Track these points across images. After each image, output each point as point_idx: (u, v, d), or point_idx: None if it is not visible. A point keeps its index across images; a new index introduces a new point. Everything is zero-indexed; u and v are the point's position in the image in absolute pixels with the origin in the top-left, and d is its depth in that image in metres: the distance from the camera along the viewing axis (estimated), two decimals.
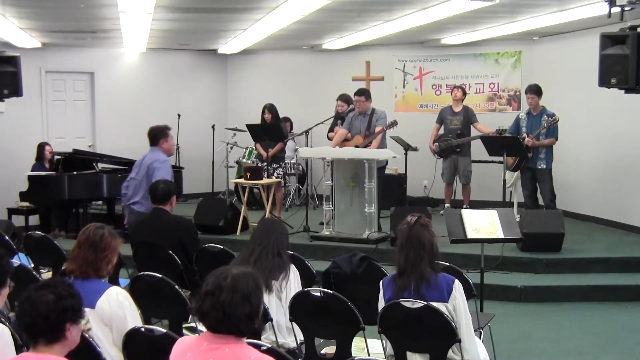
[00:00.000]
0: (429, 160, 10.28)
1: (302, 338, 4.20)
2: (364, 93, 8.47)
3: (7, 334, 3.06)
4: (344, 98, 9.35)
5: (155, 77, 12.09)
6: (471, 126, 9.73)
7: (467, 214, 5.50)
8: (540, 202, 8.89)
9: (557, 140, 8.68)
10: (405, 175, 9.92)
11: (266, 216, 8.50)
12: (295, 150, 10.71)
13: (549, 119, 8.58)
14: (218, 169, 11.56)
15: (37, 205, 9.61)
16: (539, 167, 8.70)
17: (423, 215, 3.93)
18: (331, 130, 9.49)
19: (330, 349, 4.22)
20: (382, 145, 8.33)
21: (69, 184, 9.11)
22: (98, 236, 3.72)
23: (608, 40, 5.95)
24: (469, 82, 11.06)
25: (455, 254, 6.96)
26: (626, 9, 5.71)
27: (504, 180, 8.31)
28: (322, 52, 11.73)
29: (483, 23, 8.89)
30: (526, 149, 8.57)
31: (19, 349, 3.22)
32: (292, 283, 4.30)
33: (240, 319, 2.59)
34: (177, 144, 11.71)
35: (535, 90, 8.77)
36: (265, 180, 8.75)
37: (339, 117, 9.28)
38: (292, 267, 4.39)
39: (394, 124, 8.35)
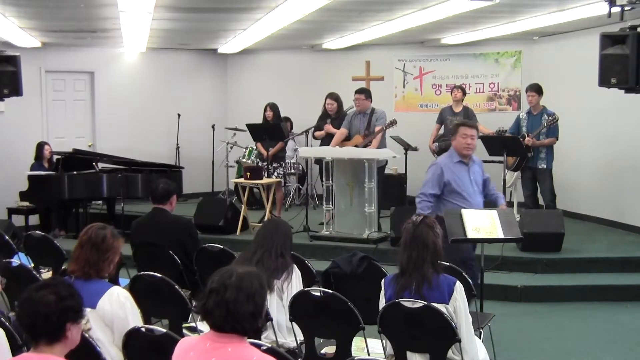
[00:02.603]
0: (429, 160, 10.21)
1: (302, 338, 4.20)
2: (364, 91, 8.49)
3: (1, 335, 3.05)
4: (333, 97, 9.21)
5: (155, 77, 12.08)
6: None
7: (467, 214, 5.48)
8: (541, 202, 8.89)
9: (557, 139, 8.67)
10: (405, 175, 9.92)
11: (266, 216, 8.51)
12: (295, 150, 10.70)
13: (549, 118, 8.59)
14: (218, 169, 11.55)
15: (37, 205, 9.61)
16: (540, 167, 8.70)
17: (429, 215, 3.93)
18: (319, 129, 9.29)
19: (330, 349, 4.22)
20: (382, 144, 8.32)
21: (69, 184, 9.09)
22: (100, 237, 3.70)
23: (608, 40, 5.94)
24: (469, 82, 11.06)
25: None
26: (626, 9, 5.70)
27: (504, 180, 8.30)
28: (322, 52, 11.73)
29: (483, 23, 8.89)
30: (526, 149, 8.56)
31: (18, 349, 3.22)
32: (294, 283, 4.29)
33: (244, 317, 2.60)
34: (177, 144, 11.75)
35: (535, 89, 8.77)
36: (265, 180, 8.74)
37: (327, 116, 9.20)
38: (295, 268, 4.38)
39: (393, 123, 8.34)
